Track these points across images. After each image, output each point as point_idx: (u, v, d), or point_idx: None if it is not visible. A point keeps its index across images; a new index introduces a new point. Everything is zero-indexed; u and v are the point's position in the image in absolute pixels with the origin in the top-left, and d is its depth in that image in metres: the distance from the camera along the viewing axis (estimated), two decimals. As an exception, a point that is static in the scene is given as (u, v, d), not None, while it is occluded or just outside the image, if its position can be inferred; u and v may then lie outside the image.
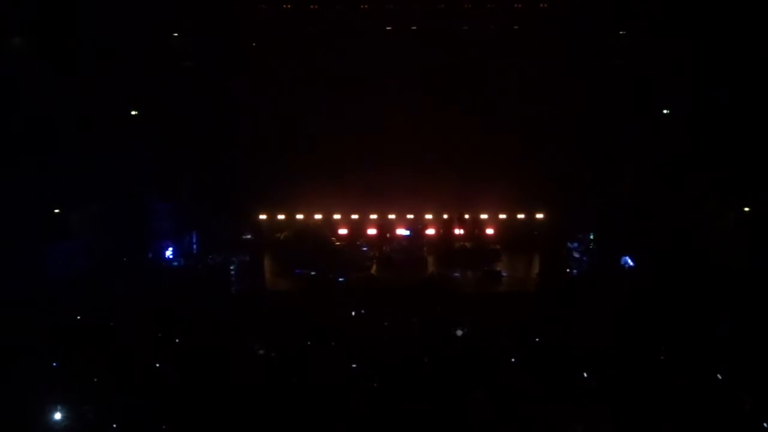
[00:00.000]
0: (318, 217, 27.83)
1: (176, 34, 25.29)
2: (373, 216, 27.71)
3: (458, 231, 27.40)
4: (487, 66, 26.48)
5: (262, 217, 27.65)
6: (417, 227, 27.08)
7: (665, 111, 25.16)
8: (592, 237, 24.49)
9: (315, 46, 26.59)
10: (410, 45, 26.39)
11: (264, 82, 26.04)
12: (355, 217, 27.79)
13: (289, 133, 26.18)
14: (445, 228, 27.30)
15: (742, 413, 10.44)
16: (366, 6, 25.99)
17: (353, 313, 17.32)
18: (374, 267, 25.61)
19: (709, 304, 17.32)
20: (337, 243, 26.68)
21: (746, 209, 22.50)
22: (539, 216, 27.23)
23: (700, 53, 22.85)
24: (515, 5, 25.75)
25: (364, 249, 26.68)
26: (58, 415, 10.87)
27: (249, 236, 26.22)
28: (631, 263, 23.00)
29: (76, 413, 10.91)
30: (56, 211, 22.35)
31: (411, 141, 26.19)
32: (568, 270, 23.75)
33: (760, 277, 18.93)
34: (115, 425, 10.68)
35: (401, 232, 27.10)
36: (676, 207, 23.39)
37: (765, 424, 9.90)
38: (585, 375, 12.12)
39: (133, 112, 24.68)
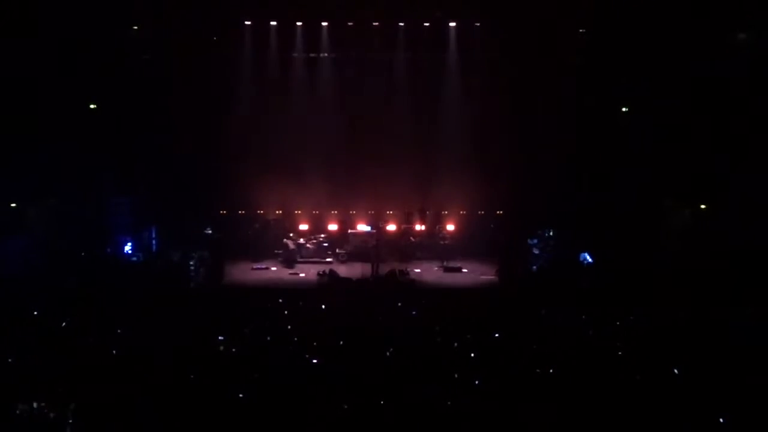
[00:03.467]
0: (278, 212, 27.71)
1: (136, 27, 25.02)
2: (334, 211, 27.67)
3: (419, 227, 27.50)
4: (448, 61, 26.71)
5: (222, 212, 27.45)
6: (378, 223, 27.07)
7: (623, 109, 25.47)
8: (551, 233, 24.69)
9: (277, 42, 26.63)
10: (371, 41, 26.44)
11: (225, 77, 25.88)
12: (315, 212, 27.72)
13: (249, 128, 26.04)
14: (406, 223, 27.38)
15: (699, 407, 10.59)
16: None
17: (314, 309, 17.29)
18: (336, 263, 25.61)
19: (666, 300, 17.60)
20: (299, 239, 26.59)
21: (702, 206, 22.87)
22: (499, 212, 27.37)
23: (658, 52, 23.16)
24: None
25: (325, 245, 26.65)
26: (14, 412, 10.68)
27: (209, 231, 25.99)
28: (590, 259, 23.27)
29: (32, 411, 10.72)
30: (12, 205, 22.03)
31: (372, 135, 26.23)
32: (527, 266, 23.94)
33: (716, 273, 19.26)
34: (71, 422, 10.53)
35: (362, 227, 27.08)
36: (633, 204, 23.69)
37: (721, 420, 10.06)
38: (549, 371, 12.20)
39: (92, 106, 24.39)
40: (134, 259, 24.18)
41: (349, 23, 26.24)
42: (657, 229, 23.31)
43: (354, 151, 26.37)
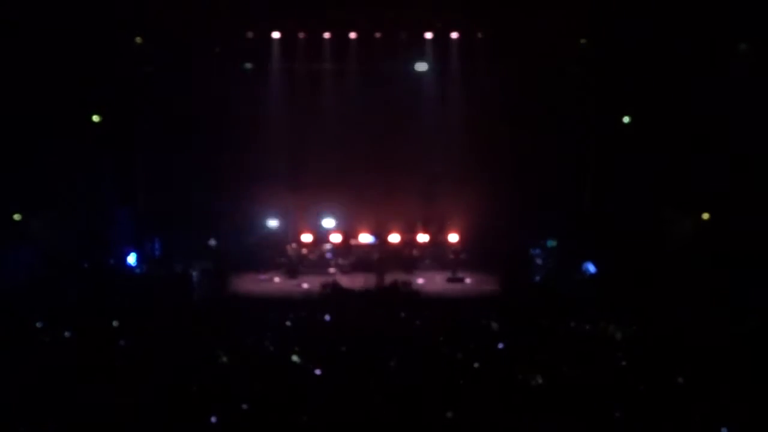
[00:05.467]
0: (281, 222, 27.67)
1: (138, 39, 25.07)
2: (338, 222, 27.62)
3: (422, 237, 27.45)
4: (450, 72, 26.75)
5: (226, 223, 27.39)
6: (381, 233, 27.03)
7: (625, 119, 25.46)
8: (554, 244, 24.66)
9: (279, 53, 26.68)
10: (373, 53, 26.49)
11: (226, 89, 25.91)
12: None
13: (251, 138, 26.04)
14: (409, 234, 27.33)
15: (701, 417, 10.58)
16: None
17: (317, 320, 17.29)
18: (338, 273, 25.59)
19: (669, 309, 17.57)
20: (302, 249, 26.59)
21: (705, 216, 22.86)
22: (502, 223, 27.27)
23: (659, 62, 23.19)
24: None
25: (329, 255, 26.64)
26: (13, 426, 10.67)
27: (212, 242, 25.97)
28: (593, 270, 23.23)
29: (33, 423, 10.72)
30: (16, 216, 22.08)
31: (374, 145, 26.27)
32: (530, 276, 23.91)
33: (718, 283, 19.24)
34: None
35: (365, 237, 27.05)
36: (635, 214, 23.68)
37: (724, 429, 10.05)
38: (553, 381, 12.18)
39: (95, 118, 24.43)
40: (137, 270, 24.19)
41: (351, 35, 26.30)
42: (660, 239, 23.27)
43: (356, 162, 26.35)
